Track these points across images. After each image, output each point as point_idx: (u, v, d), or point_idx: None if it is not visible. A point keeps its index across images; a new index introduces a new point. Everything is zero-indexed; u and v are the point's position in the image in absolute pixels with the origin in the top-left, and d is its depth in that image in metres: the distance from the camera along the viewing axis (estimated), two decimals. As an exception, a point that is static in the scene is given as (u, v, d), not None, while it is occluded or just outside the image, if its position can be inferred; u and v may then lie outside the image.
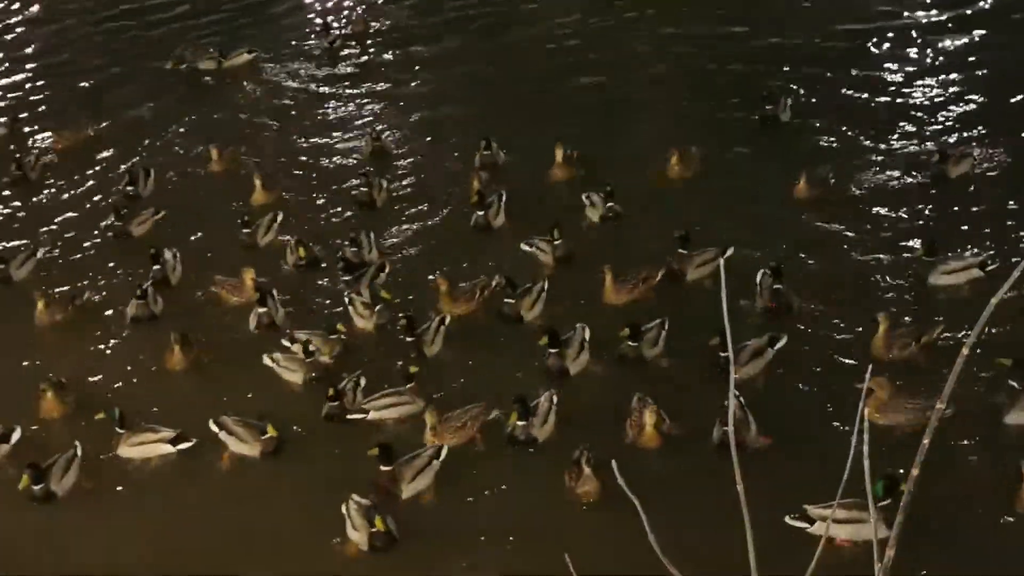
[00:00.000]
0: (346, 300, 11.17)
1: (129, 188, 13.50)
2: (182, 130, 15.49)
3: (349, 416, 9.73)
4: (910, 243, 11.60)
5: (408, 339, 10.42)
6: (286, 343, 10.72)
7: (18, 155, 14.42)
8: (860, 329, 10.41)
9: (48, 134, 15.35)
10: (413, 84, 16.42)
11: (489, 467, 9.31)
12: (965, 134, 13.67)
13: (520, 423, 9.28)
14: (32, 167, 14.26)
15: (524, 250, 11.91)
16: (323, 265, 12.08)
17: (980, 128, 13.76)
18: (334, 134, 15.11)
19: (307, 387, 10.25)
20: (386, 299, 11.08)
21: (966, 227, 11.88)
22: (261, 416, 9.63)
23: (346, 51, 17.50)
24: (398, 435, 9.58)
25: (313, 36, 18.02)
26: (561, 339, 10.19)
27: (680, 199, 12.83)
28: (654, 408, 9.26)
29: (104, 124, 15.67)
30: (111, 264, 12.50)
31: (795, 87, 15.02)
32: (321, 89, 16.43)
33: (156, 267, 11.81)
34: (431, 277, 11.46)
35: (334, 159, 14.48)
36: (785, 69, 15.66)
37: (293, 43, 17.97)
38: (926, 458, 2.94)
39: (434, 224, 12.82)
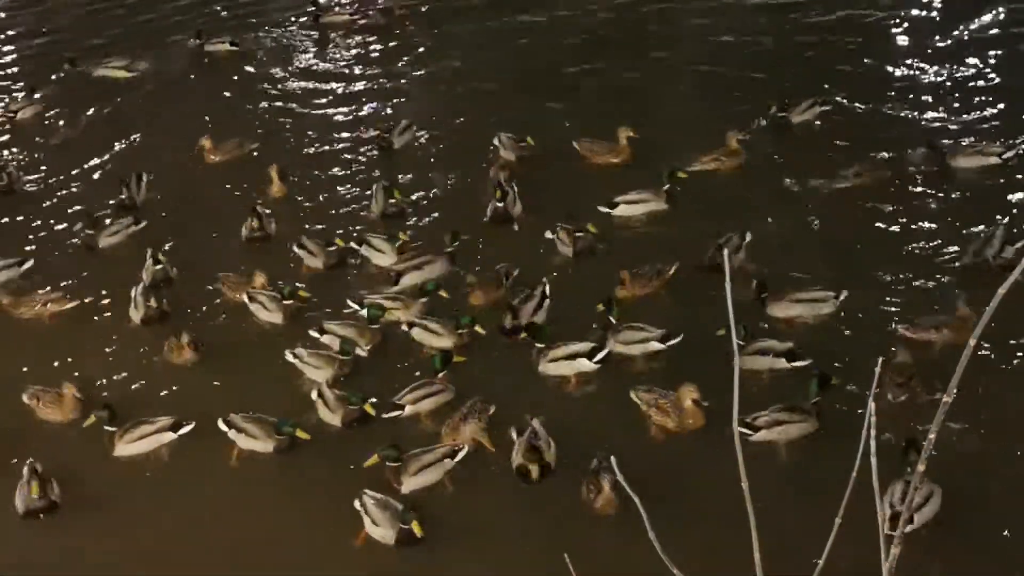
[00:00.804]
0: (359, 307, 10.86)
1: (122, 196, 13.06)
2: (176, 125, 15.08)
3: (385, 415, 9.58)
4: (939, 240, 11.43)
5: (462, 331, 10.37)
6: (314, 333, 10.56)
7: (3, 165, 14.04)
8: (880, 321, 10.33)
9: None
10: (429, 67, 16.21)
11: (493, 466, 9.19)
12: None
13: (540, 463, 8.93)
14: (17, 178, 13.86)
15: (548, 237, 11.81)
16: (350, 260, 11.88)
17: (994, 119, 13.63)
18: (342, 121, 14.92)
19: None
20: (478, 331, 10.53)
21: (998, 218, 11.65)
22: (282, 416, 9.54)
23: (350, 37, 17.33)
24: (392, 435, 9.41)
25: (309, 19, 17.81)
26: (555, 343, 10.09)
27: (718, 190, 12.60)
28: (692, 386, 9.14)
29: (97, 120, 15.46)
30: (97, 267, 12.23)
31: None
32: (325, 76, 16.20)
33: (158, 267, 11.60)
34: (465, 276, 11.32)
35: (345, 147, 14.29)
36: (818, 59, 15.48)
37: (291, 29, 17.84)
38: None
39: (457, 217, 12.55)
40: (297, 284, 11.41)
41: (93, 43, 17.98)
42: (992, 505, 8.38)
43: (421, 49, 16.75)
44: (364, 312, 10.65)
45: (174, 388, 10.32)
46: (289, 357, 10.28)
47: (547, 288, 10.77)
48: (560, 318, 10.61)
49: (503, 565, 8.29)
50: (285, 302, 10.96)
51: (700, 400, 9.14)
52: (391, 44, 16.91)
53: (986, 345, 9.57)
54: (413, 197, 12.89)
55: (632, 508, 3.45)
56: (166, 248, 12.05)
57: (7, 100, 16.19)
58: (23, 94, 16.16)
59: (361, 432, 9.52)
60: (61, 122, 15.52)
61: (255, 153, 14.14)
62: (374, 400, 9.61)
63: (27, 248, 12.65)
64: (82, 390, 10.10)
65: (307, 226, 12.52)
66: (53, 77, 16.74)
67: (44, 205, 13.55)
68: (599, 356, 9.94)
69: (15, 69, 17.57)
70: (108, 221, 12.70)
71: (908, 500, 3.09)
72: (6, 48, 18.32)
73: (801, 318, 10.40)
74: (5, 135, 15.35)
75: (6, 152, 14.89)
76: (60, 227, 13.00)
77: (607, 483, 8.36)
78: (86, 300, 11.59)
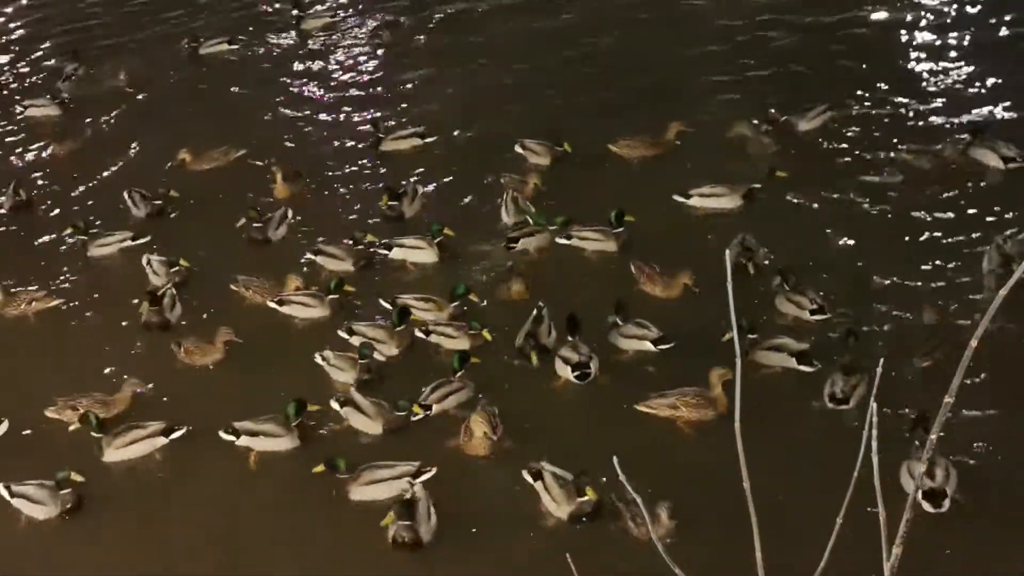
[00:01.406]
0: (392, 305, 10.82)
1: (157, 202, 12.90)
2: (174, 128, 14.90)
3: (413, 418, 9.58)
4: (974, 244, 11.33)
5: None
6: (343, 334, 10.53)
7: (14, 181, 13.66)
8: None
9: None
10: (430, 66, 16.06)
11: (494, 467, 9.19)
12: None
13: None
14: (28, 192, 13.57)
15: (563, 243, 11.73)
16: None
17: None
18: (341, 123, 14.81)
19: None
20: (485, 336, 10.51)
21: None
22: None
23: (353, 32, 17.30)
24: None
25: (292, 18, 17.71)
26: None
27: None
28: (724, 369, 9.13)
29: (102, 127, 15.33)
30: (99, 272, 12.21)
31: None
32: (322, 78, 16.07)
33: (174, 268, 11.59)
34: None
35: (344, 149, 14.19)
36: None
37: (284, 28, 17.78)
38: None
39: (468, 219, 12.46)
40: (331, 273, 11.48)
41: (89, 42, 17.93)
42: (993, 506, 8.39)
43: (419, 48, 16.67)
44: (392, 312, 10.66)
45: (178, 391, 10.29)
46: (318, 359, 10.27)
47: (545, 310, 10.51)
48: (585, 316, 10.48)
49: (504, 565, 8.27)
50: (330, 296, 10.96)
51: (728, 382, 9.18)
52: (389, 44, 16.79)
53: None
54: (415, 200, 12.74)
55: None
56: (154, 250, 12.01)
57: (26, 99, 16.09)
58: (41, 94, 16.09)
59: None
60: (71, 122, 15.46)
61: (240, 156, 13.98)
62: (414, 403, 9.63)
63: (31, 248, 12.64)
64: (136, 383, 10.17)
65: (304, 230, 12.44)
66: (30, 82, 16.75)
67: (45, 210, 13.46)
68: (580, 373, 9.83)
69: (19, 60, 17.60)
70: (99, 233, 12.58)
71: (913, 495, 3.09)
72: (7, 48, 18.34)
73: (788, 316, 10.47)
74: (18, 139, 15.27)
75: (14, 158, 14.82)
76: (62, 232, 12.81)
77: (665, 512, 7.92)
78: (73, 302, 11.59)
